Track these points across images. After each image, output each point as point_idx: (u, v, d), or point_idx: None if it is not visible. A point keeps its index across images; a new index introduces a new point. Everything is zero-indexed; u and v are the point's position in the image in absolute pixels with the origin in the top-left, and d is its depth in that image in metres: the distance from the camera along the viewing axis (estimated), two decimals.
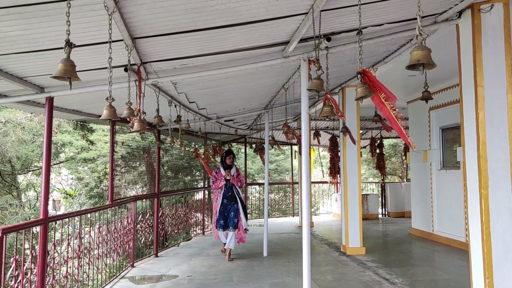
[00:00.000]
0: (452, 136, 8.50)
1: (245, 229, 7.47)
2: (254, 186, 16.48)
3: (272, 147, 9.00)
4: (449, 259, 7.12)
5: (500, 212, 3.69)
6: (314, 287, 5.36)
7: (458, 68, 4.11)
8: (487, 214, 3.69)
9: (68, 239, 5.05)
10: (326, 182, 16.25)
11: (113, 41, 2.88)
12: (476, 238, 3.81)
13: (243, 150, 14.93)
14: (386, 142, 16.58)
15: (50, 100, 4.54)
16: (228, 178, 7.36)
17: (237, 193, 7.45)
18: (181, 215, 9.78)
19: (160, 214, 8.40)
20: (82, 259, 5.46)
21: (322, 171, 20.52)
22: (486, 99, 3.78)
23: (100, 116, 6.28)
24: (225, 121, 9.22)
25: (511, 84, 3.80)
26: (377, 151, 13.32)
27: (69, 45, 2.35)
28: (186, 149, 9.28)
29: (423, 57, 2.45)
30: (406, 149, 12.34)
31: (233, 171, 7.49)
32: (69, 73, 2.31)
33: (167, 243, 9.27)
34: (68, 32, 2.38)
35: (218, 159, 10.20)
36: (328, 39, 3.87)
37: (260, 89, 6.58)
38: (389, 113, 2.65)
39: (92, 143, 13.63)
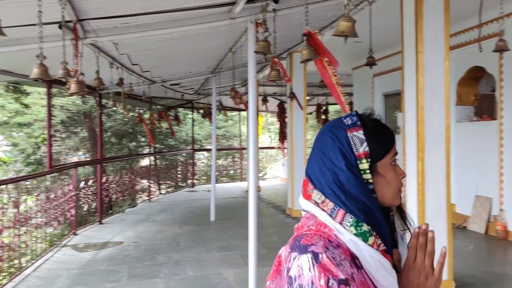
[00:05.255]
0: (394, 102, 8.81)
1: None
2: (202, 152, 16.38)
3: (220, 113, 8.92)
4: None
5: (435, 174, 3.91)
6: (260, 248, 5.48)
7: (401, 35, 4.20)
8: (422, 175, 3.89)
9: (3, 208, 4.78)
10: (273, 148, 16.48)
11: None
12: (412, 199, 4.03)
13: (190, 116, 14.71)
14: (332, 108, 16.94)
15: None
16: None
17: None
18: (126, 181, 9.57)
19: (104, 181, 8.15)
20: (19, 229, 5.21)
21: (270, 137, 20.76)
22: (426, 66, 3.91)
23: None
24: (170, 85, 8.96)
25: (448, 51, 3.95)
26: (323, 117, 13.59)
27: None
28: (130, 114, 8.98)
29: (347, 29, 2.50)
30: None
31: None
32: None
33: (112, 210, 9.07)
34: None
35: (164, 124, 9.97)
36: (276, 1, 3.80)
37: (207, 52, 6.42)
38: (330, 79, 2.67)
39: (27, 106, 12.82)
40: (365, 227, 0.88)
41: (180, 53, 6.26)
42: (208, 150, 15.60)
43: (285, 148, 12.93)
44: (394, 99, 8.78)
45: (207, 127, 17.71)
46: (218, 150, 15.45)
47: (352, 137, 0.94)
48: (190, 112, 14.15)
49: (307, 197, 0.95)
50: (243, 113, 14.50)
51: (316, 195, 0.92)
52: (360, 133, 0.94)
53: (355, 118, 0.97)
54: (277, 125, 14.19)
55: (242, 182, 14.03)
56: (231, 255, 5.44)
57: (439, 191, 3.92)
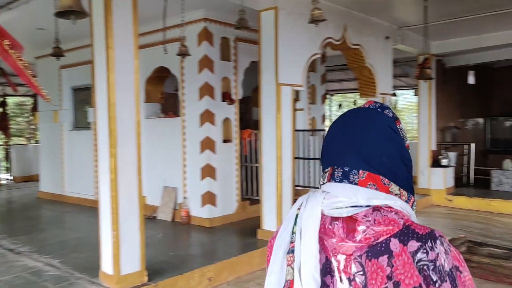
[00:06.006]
0: (84, 97, 8.51)
1: None
2: None
3: None
4: (80, 218, 7.24)
5: (127, 169, 3.99)
6: None
7: (90, 28, 4.07)
8: (115, 171, 3.90)
9: None
10: None
11: None
12: (105, 195, 3.98)
13: None
14: (11, 100, 14.96)
15: None
16: None
17: None
18: None
19: None
20: None
21: None
22: (117, 62, 3.92)
23: None
24: None
25: (137, 49, 4.10)
26: (0, 109, 11.81)
27: None
28: None
29: (74, 3, 2.24)
30: (34, 108, 11.51)
31: None
32: None
33: None
34: None
35: None
36: None
37: None
38: (16, 63, 2.31)
39: None
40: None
41: None
42: None
43: None
44: (84, 94, 8.48)
45: None
46: None
47: (400, 129, 0.96)
48: None
49: (386, 190, 0.91)
50: None
51: (395, 187, 0.91)
52: (402, 126, 0.97)
53: (390, 110, 0.98)
54: None
55: None
56: None
57: (131, 186, 4.03)
